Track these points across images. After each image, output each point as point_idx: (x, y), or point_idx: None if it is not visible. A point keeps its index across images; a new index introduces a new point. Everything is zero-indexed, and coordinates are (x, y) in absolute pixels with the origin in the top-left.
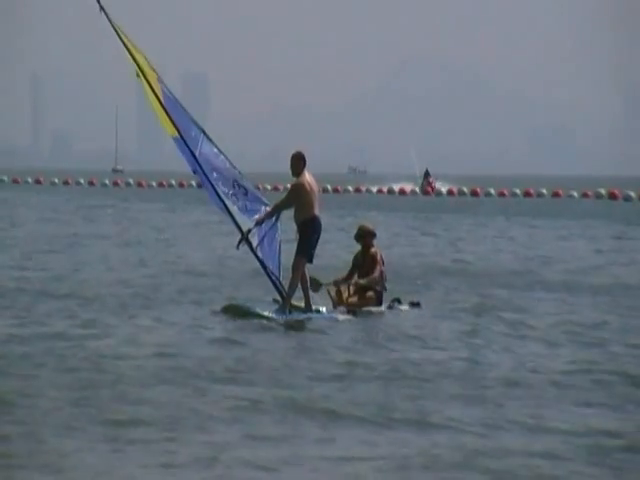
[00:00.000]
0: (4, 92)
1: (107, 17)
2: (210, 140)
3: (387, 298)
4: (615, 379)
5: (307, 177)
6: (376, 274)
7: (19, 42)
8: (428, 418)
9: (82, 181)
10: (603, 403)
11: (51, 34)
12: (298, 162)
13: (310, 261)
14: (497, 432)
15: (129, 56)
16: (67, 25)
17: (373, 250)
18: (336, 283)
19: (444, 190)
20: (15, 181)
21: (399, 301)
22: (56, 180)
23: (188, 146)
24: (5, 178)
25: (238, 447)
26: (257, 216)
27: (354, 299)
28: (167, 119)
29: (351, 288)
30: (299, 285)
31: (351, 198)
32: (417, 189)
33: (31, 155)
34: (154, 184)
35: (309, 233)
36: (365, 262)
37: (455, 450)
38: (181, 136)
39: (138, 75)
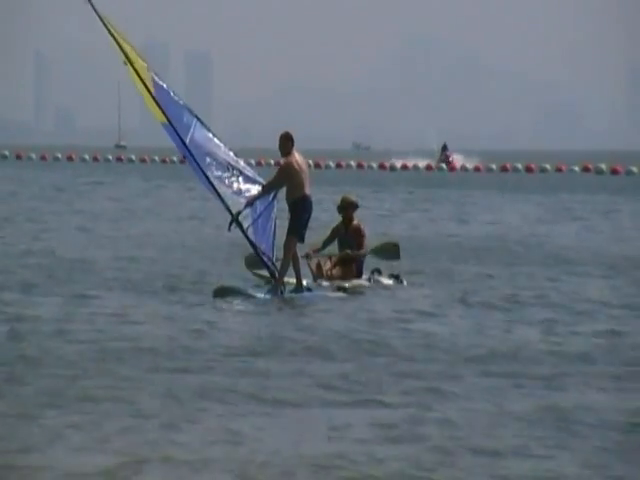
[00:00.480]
0: (8, 70)
1: (93, 7)
2: (203, 125)
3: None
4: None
5: (296, 157)
6: (365, 247)
7: (22, 19)
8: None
9: (87, 157)
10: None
11: (54, 11)
12: (286, 142)
13: (301, 240)
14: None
15: (116, 45)
16: (70, 2)
17: (356, 222)
18: (309, 255)
19: (468, 165)
20: (18, 156)
21: (379, 272)
22: (59, 155)
23: (178, 134)
24: (7, 153)
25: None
26: (247, 197)
27: (336, 271)
28: (156, 107)
29: (332, 260)
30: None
31: (353, 174)
32: (433, 164)
33: (35, 132)
34: (157, 159)
35: (299, 212)
36: (347, 233)
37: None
38: (170, 124)
39: (125, 64)
